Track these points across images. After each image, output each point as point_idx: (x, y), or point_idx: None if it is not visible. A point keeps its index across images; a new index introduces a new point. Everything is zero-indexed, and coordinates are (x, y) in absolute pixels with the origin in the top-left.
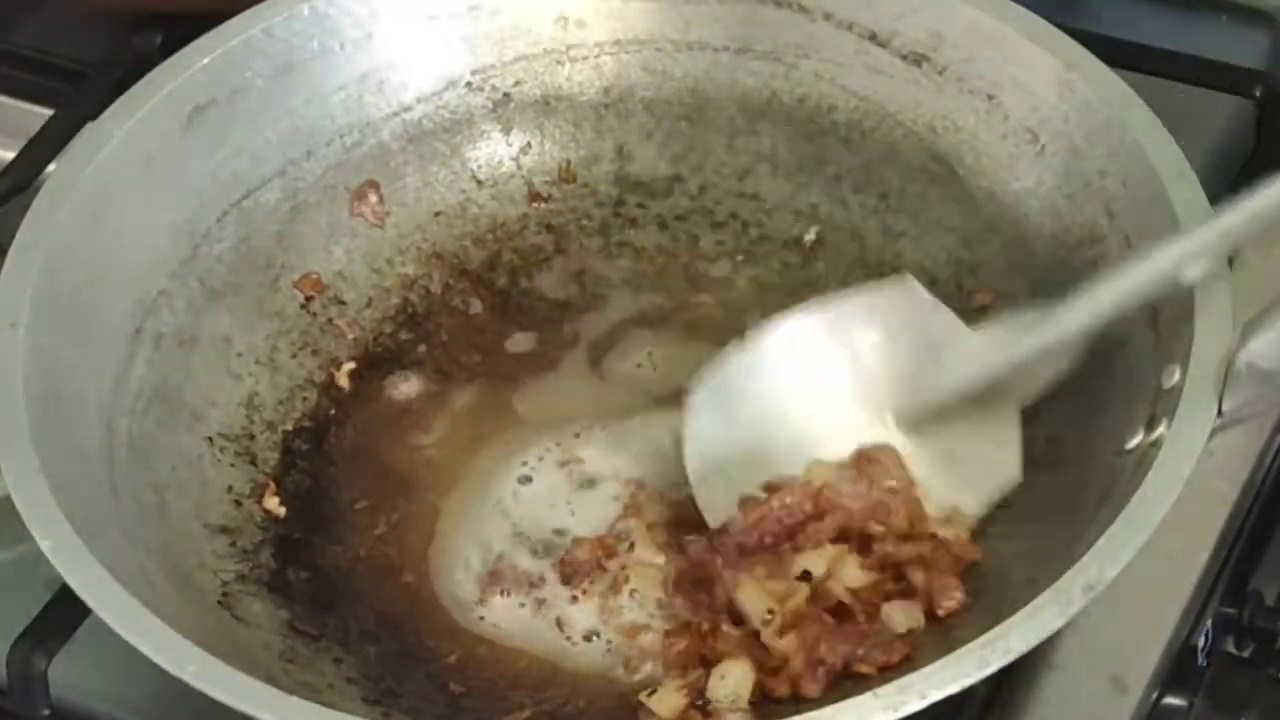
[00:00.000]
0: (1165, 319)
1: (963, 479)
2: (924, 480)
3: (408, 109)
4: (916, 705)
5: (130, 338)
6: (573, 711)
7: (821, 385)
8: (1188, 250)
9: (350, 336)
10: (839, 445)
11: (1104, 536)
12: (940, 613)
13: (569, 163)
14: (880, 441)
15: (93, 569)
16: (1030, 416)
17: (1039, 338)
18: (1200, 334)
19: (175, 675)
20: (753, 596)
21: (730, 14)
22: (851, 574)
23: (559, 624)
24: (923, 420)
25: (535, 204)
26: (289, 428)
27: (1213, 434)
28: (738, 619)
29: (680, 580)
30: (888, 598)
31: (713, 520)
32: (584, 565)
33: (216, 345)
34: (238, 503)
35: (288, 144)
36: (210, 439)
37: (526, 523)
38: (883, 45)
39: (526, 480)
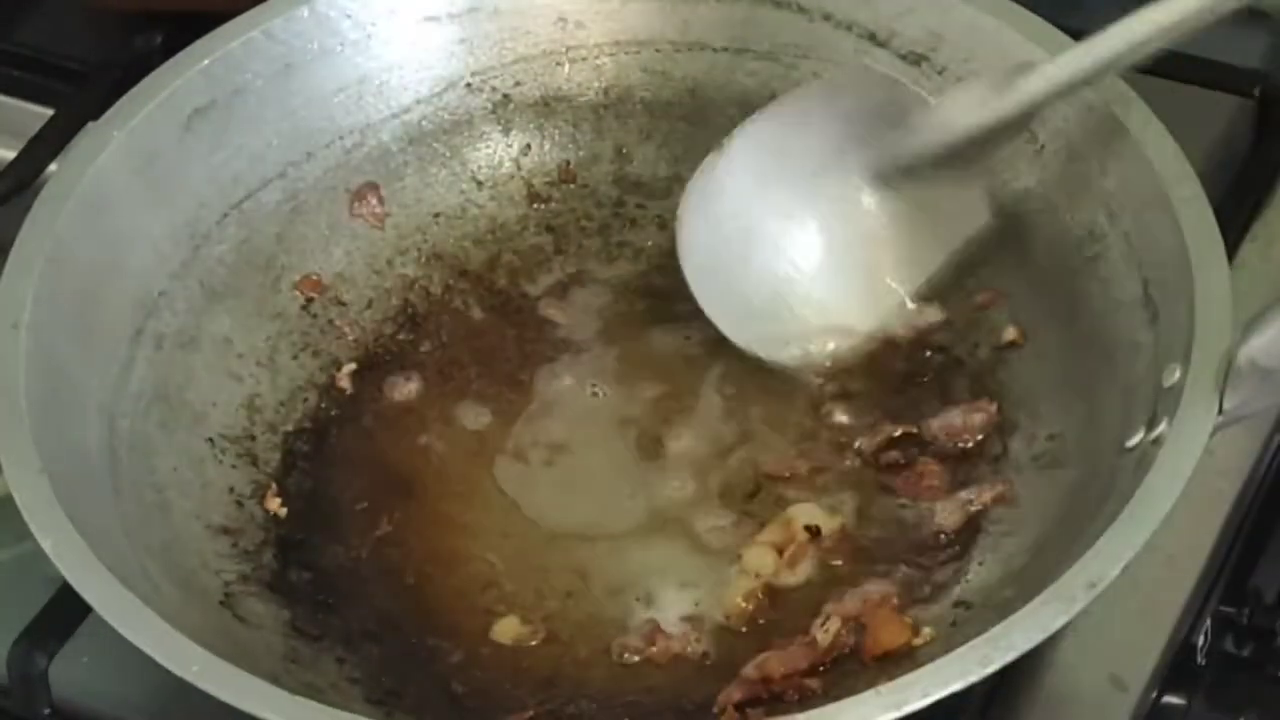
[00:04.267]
0: (1165, 317)
1: (932, 224)
2: (892, 230)
3: (407, 110)
4: (919, 703)
5: (131, 338)
6: (576, 712)
7: (794, 165)
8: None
9: (351, 338)
10: (816, 215)
11: (1105, 535)
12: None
13: (568, 163)
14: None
15: (94, 569)
16: (1030, 416)
17: (996, 110)
18: (1201, 332)
19: (179, 675)
20: None
21: (729, 15)
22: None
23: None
24: (892, 177)
25: (535, 205)
26: (290, 429)
27: (1214, 432)
28: None
29: None
30: None
31: (716, 317)
32: None
33: (217, 346)
34: (239, 503)
35: (288, 145)
36: (211, 440)
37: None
38: (882, 45)
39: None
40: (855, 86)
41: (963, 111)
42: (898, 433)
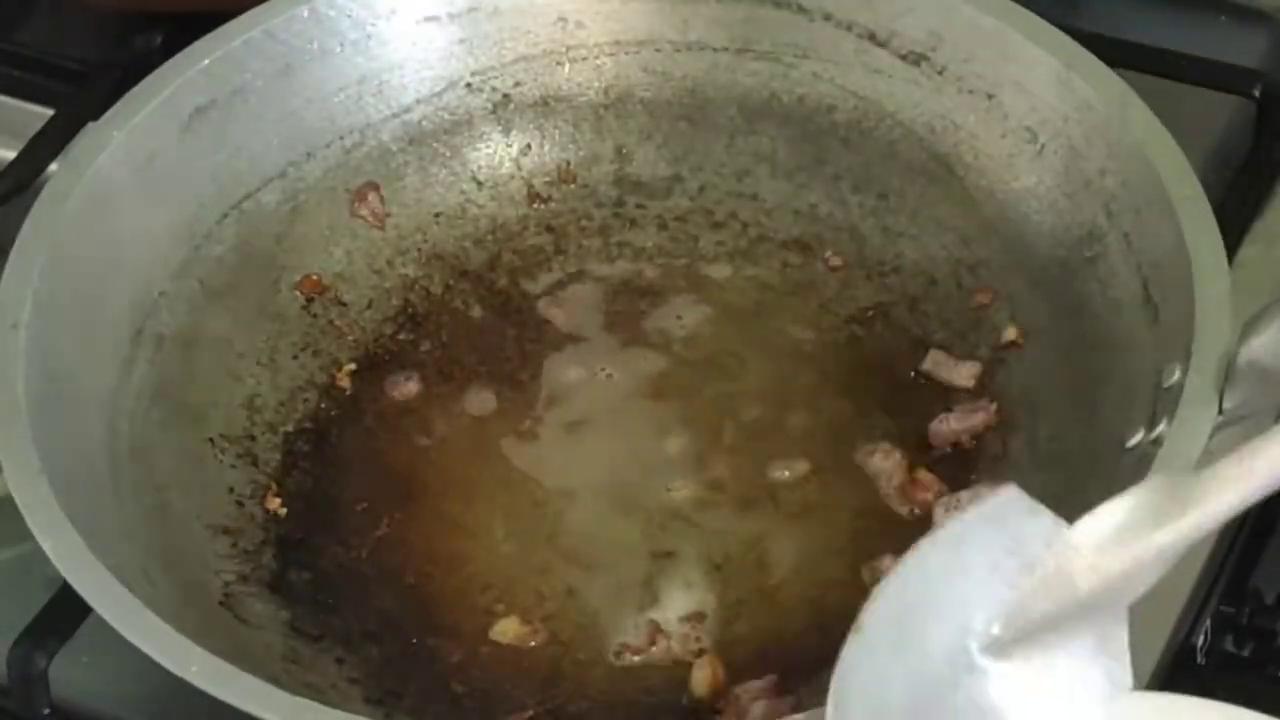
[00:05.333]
0: (1165, 317)
1: (1064, 703)
2: (1017, 713)
3: (407, 110)
4: None
5: (131, 338)
6: (576, 712)
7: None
8: None
9: (351, 338)
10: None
11: None
12: None
13: (569, 163)
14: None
15: (94, 569)
16: (1031, 415)
17: (1154, 545)
18: (1201, 332)
19: (179, 675)
20: None
21: (729, 14)
22: None
23: None
24: (1015, 641)
25: (535, 205)
26: (290, 429)
27: (1213, 433)
28: None
29: None
30: None
31: None
32: None
33: (217, 346)
34: (239, 503)
35: (288, 145)
36: (211, 440)
37: None
38: (882, 45)
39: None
40: (984, 528)
41: (1106, 551)
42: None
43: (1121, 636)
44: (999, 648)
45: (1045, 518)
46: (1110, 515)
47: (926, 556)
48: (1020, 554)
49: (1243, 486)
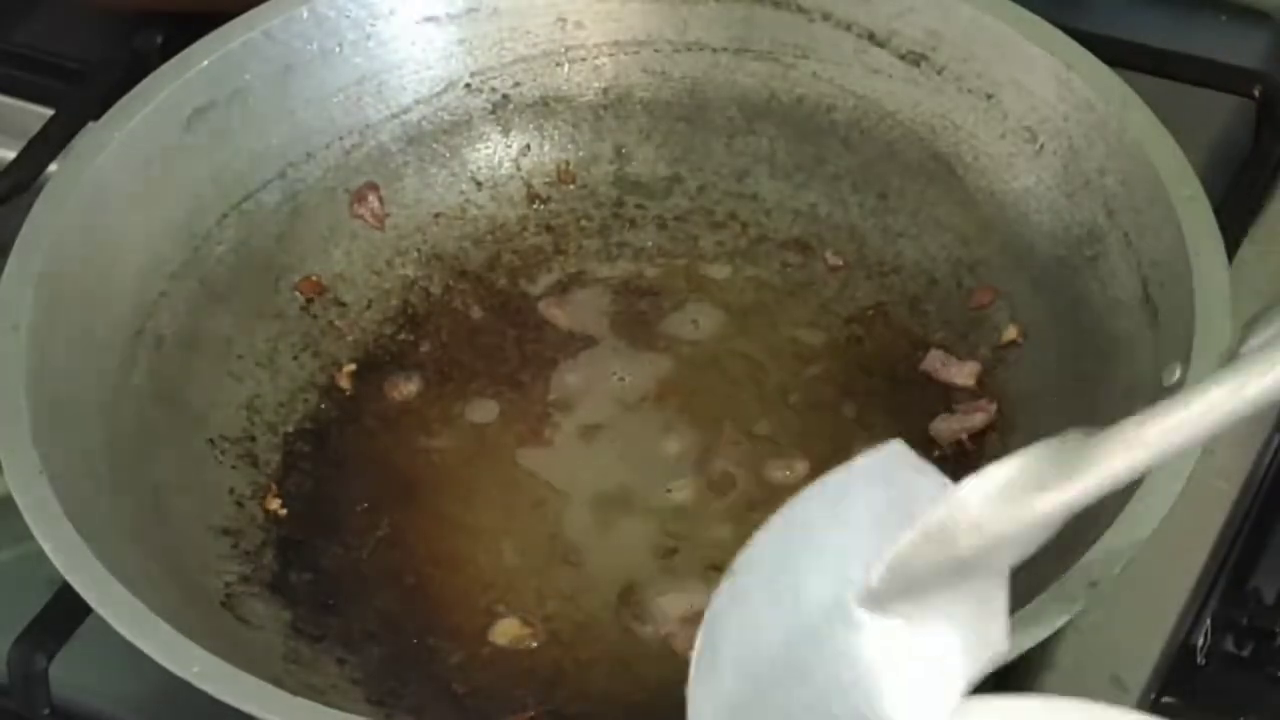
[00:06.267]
0: (1165, 317)
1: (937, 663)
2: (889, 670)
3: (407, 111)
4: None
5: (131, 339)
6: (576, 712)
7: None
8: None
9: (350, 338)
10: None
11: (1105, 535)
12: None
13: (568, 164)
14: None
15: (94, 569)
16: (1031, 415)
17: (1038, 511)
18: (1200, 332)
19: (179, 675)
20: None
21: (728, 14)
22: None
23: None
24: (893, 596)
25: (534, 205)
26: (290, 429)
27: None
28: None
29: None
30: None
31: None
32: None
33: (217, 347)
34: (239, 504)
35: (287, 146)
36: (211, 440)
37: None
38: (881, 45)
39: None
40: (869, 483)
41: (990, 510)
42: None
43: (1001, 598)
44: (876, 601)
45: (932, 475)
46: (997, 475)
47: (809, 505)
48: (904, 508)
49: (1131, 456)
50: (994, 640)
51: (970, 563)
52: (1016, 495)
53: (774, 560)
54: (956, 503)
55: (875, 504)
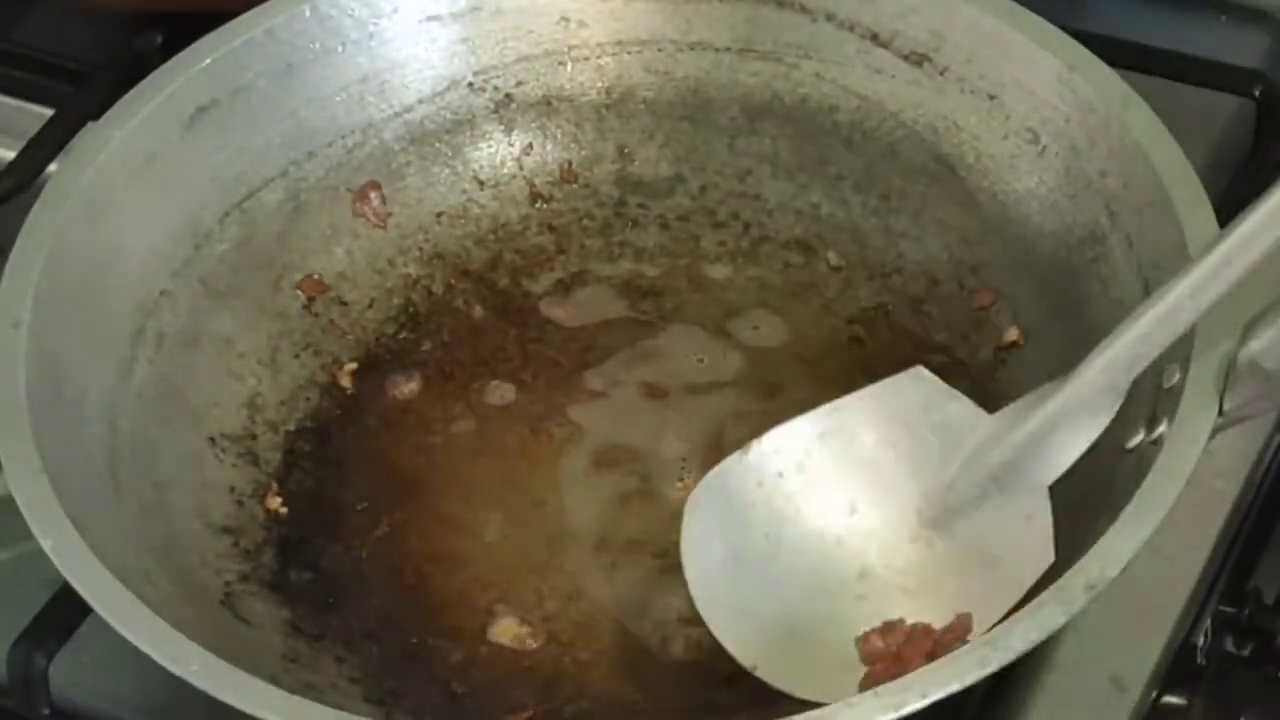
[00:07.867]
0: None
1: (991, 577)
2: (950, 583)
3: (409, 110)
4: (917, 704)
5: (132, 338)
6: (576, 712)
7: (832, 492)
8: (1197, 283)
9: (352, 337)
10: (857, 556)
11: (1104, 536)
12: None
13: (570, 163)
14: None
15: (94, 569)
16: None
17: (1052, 406)
18: (1201, 333)
19: (178, 674)
20: None
21: (732, 14)
22: None
23: None
24: (948, 514)
25: (537, 204)
26: (291, 428)
27: (1213, 433)
28: None
29: None
30: None
31: (738, 652)
32: None
33: (218, 345)
34: (240, 503)
35: (289, 145)
36: (212, 439)
37: None
38: (884, 46)
39: None
40: (906, 399)
41: (1016, 422)
42: None
43: (1045, 515)
44: (935, 522)
45: (964, 400)
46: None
47: (844, 414)
48: (944, 433)
49: (1108, 362)
50: (1040, 553)
51: (1004, 481)
52: (1022, 416)
53: (803, 451)
54: (987, 420)
55: (915, 424)
